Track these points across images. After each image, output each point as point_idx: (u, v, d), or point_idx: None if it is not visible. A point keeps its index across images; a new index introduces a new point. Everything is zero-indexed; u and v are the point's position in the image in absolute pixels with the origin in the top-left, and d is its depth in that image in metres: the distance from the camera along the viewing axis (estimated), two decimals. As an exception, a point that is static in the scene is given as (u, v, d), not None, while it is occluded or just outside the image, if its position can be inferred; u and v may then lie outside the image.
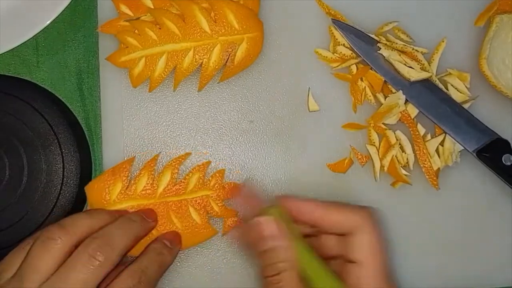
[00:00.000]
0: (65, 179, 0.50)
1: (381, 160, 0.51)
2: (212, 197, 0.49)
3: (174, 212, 0.49)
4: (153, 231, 0.49)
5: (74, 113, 0.53)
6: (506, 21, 0.50)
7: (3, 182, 0.50)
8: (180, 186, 0.49)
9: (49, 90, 0.53)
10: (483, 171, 0.51)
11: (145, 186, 0.49)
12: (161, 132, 0.52)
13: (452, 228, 0.52)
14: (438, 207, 0.52)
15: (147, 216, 0.48)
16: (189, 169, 0.50)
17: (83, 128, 0.53)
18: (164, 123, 0.52)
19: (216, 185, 0.50)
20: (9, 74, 0.53)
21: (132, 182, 0.49)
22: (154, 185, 0.49)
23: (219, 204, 0.49)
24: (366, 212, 0.43)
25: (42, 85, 0.53)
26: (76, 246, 0.43)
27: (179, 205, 0.49)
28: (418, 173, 0.51)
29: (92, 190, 0.49)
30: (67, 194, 0.50)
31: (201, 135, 0.52)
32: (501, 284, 0.52)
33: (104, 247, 0.42)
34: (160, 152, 0.51)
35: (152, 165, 0.50)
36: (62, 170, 0.50)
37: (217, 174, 0.50)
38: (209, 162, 0.51)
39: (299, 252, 0.42)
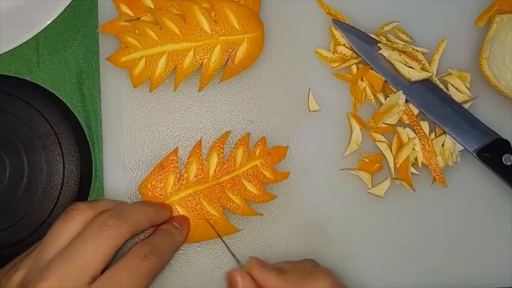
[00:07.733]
0: (65, 179, 0.50)
1: (395, 157, 0.51)
2: (261, 165, 0.50)
3: (230, 190, 0.50)
4: (215, 213, 0.49)
5: (75, 113, 0.53)
6: (506, 21, 0.51)
7: (3, 182, 0.50)
8: (229, 163, 0.50)
9: (50, 90, 0.53)
10: (483, 171, 0.51)
11: (196, 172, 0.50)
12: (161, 132, 0.52)
13: (452, 228, 0.52)
14: (438, 206, 0.52)
15: (165, 208, 0.49)
16: (232, 145, 0.51)
17: (84, 128, 0.53)
18: (164, 123, 0.52)
19: (262, 153, 0.50)
20: (9, 74, 0.53)
21: (183, 171, 0.50)
22: (204, 169, 0.50)
23: (269, 170, 0.50)
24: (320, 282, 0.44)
25: (42, 85, 0.53)
26: None
27: (233, 182, 0.50)
28: (418, 172, 0.51)
29: (146, 188, 0.49)
30: (68, 194, 0.50)
31: (202, 135, 0.52)
32: (501, 284, 0.52)
33: (115, 216, 0.43)
34: (161, 152, 0.51)
35: (197, 151, 0.50)
36: (62, 170, 0.50)
37: (260, 143, 0.51)
38: (248, 134, 0.51)
39: None
